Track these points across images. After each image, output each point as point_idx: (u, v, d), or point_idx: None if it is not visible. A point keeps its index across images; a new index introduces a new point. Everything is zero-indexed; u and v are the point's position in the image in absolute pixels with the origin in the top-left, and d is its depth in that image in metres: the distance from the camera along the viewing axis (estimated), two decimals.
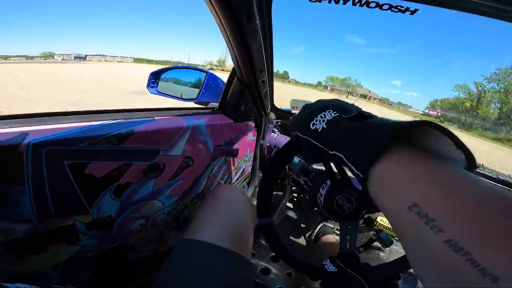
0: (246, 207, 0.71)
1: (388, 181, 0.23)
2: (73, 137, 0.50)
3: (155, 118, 0.62)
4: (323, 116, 0.33)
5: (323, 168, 0.78)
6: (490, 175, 0.85)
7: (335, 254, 0.58)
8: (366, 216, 0.91)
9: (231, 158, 0.90)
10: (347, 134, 0.29)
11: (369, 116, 0.30)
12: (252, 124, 0.92)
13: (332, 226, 1.15)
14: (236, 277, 0.58)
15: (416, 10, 0.56)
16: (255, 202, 0.58)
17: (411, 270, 0.70)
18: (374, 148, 0.24)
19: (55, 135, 0.48)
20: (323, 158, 0.34)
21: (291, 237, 1.27)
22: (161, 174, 0.68)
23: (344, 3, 0.62)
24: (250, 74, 0.74)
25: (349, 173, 0.59)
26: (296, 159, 0.79)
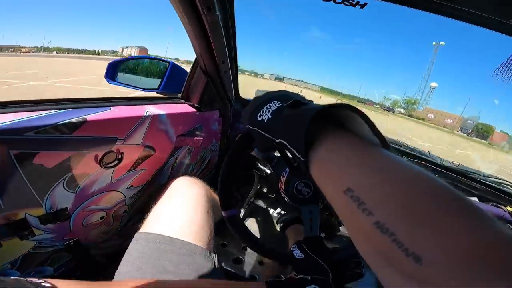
0: (203, 198, 0.73)
1: (326, 167, 0.26)
2: (19, 126, 0.49)
3: (111, 107, 0.62)
4: (268, 107, 0.35)
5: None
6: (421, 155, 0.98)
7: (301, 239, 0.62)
8: None
9: (195, 147, 0.92)
10: (287, 122, 0.32)
11: (305, 103, 0.33)
12: (217, 113, 0.95)
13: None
14: (192, 266, 0.61)
15: (365, 4, 0.61)
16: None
17: None
18: (303, 129, 0.26)
19: None
20: (272, 146, 0.36)
21: (263, 226, 1.33)
22: (119, 164, 0.69)
23: None
24: (212, 64, 0.76)
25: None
26: None
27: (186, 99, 0.83)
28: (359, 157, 0.24)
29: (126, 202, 0.83)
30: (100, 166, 0.65)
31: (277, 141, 0.33)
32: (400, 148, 1.01)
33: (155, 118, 0.71)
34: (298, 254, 0.58)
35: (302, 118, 0.28)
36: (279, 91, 0.40)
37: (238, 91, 0.99)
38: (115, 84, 0.77)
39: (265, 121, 0.35)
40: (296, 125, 0.29)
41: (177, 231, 0.65)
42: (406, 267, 0.17)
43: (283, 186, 0.67)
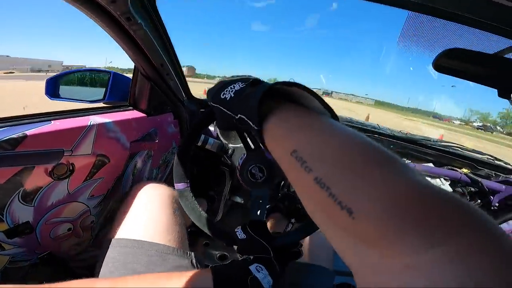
0: (167, 200, 0.80)
1: (276, 132, 0.30)
2: None
3: (52, 121, 0.68)
4: (232, 88, 0.40)
5: (239, 145, 0.88)
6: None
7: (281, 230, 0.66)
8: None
9: (154, 151, 0.98)
10: (246, 98, 0.36)
11: (262, 81, 0.39)
12: (170, 116, 1.01)
13: None
14: (163, 266, 0.66)
15: None
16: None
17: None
18: (257, 101, 0.31)
19: None
20: (232, 124, 0.40)
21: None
22: (72, 175, 0.75)
23: None
24: (151, 69, 0.83)
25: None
26: (211, 140, 0.89)
27: (134, 106, 0.90)
28: (304, 123, 0.28)
29: (91, 212, 0.88)
30: (52, 178, 0.71)
31: (236, 117, 0.37)
32: (353, 124, 1.07)
33: (102, 126, 0.77)
34: (241, 235, 0.61)
35: (257, 92, 0.32)
36: (244, 75, 0.45)
37: (189, 91, 1.06)
38: (58, 100, 0.82)
39: (227, 99, 0.39)
40: (253, 99, 0.33)
41: (143, 233, 0.71)
42: (342, 221, 0.19)
43: (238, 170, 0.71)
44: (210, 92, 0.46)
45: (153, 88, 0.88)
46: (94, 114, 0.78)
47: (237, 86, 0.40)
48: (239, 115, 0.36)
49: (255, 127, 0.32)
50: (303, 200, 0.26)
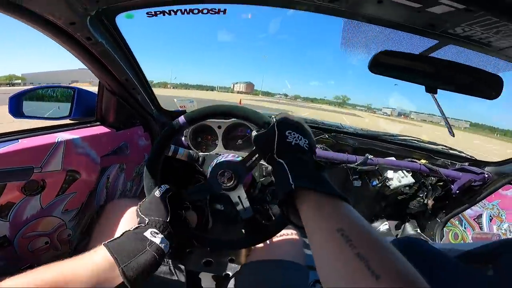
0: None
1: (324, 208, 0.41)
2: None
3: (19, 139, 0.75)
4: (299, 138, 0.52)
5: (208, 153, 0.96)
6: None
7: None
8: None
9: (126, 164, 1.04)
10: (303, 164, 0.48)
11: (323, 168, 0.52)
12: (140, 129, 1.08)
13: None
14: None
15: (225, 10, 0.75)
16: None
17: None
18: (310, 184, 0.44)
19: None
20: (265, 154, 0.53)
21: (228, 227, 1.44)
22: (43, 190, 0.81)
23: (175, 14, 0.81)
24: (116, 84, 0.90)
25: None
26: (181, 150, 0.96)
27: (102, 121, 0.97)
28: (345, 208, 0.41)
29: (67, 226, 0.94)
30: (24, 194, 0.78)
31: (276, 157, 0.50)
32: (319, 126, 1.15)
33: (70, 143, 0.84)
34: (157, 192, 0.66)
35: (319, 185, 0.44)
36: (307, 132, 0.55)
37: (158, 104, 1.13)
38: (22, 118, 0.87)
39: (287, 141, 0.51)
40: (308, 177, 0.45)
41: None
42: (367, 283, 0.30)
43: (214, 164, 0.79)
44: (285, 119, 0.56)
45: (120, 102, 0.95)
46: (61, 131, 0.85)
47: (302, 141, 0.51)
48: (281, 160, 0.49)
49: (283, 193, 0.45)
50: (336, 265, 0.35)
